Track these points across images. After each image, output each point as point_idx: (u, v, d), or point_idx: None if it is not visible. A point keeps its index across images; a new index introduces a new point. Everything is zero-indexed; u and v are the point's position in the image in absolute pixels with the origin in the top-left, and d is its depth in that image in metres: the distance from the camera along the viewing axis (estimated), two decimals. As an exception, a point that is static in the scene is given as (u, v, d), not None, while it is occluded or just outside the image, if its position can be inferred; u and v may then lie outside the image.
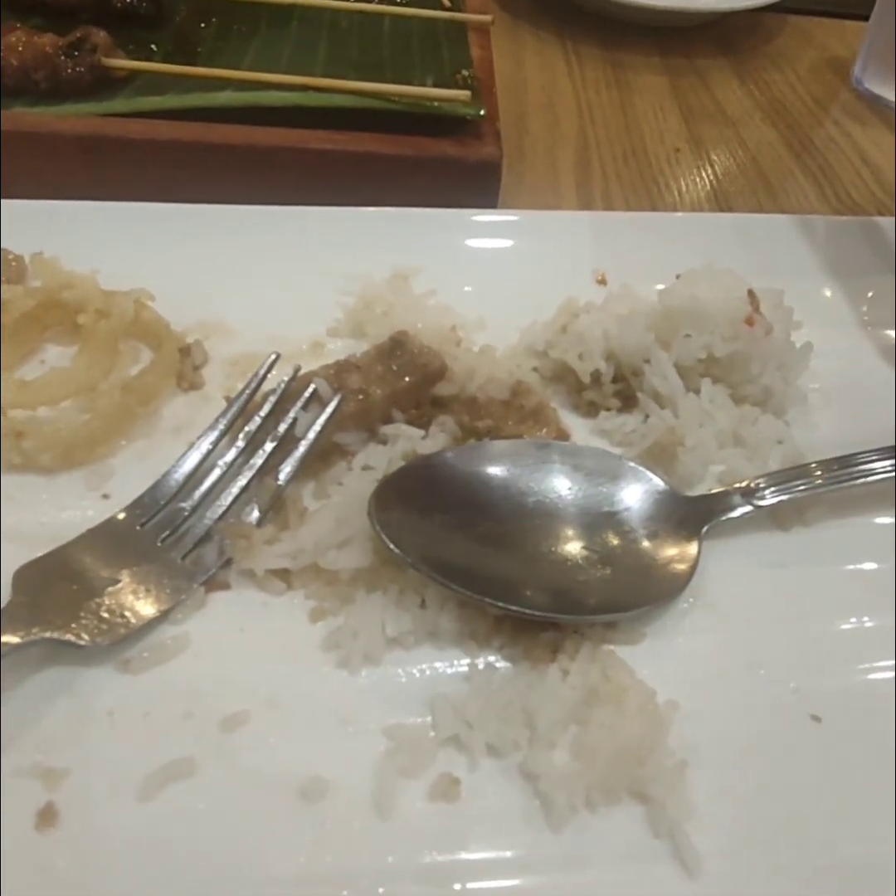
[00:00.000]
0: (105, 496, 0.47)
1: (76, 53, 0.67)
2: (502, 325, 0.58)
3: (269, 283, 0.59)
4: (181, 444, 0.49)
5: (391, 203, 0.64)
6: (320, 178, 0.66)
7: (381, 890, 0.34)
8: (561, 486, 0.45)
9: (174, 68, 0.69)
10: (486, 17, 0.82)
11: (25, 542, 0.43)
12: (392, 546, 0.39)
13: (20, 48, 0.67)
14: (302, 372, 0.49)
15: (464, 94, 0.67)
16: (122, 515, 0.45)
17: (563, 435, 0.51)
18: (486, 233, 0.65)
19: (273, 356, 0.50)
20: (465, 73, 0.76)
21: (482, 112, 0.69)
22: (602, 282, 0.62)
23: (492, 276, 0.61)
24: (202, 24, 0.83)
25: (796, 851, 0.36)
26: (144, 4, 0.80)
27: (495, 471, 0.45)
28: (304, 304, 0.58)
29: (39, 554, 0.42)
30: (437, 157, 0.67)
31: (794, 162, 0.84)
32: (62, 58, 0.66)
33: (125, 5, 0.80)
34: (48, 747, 0.37)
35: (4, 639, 0.37)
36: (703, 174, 0.82)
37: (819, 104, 0.93)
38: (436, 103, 0.69)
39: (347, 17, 0.85)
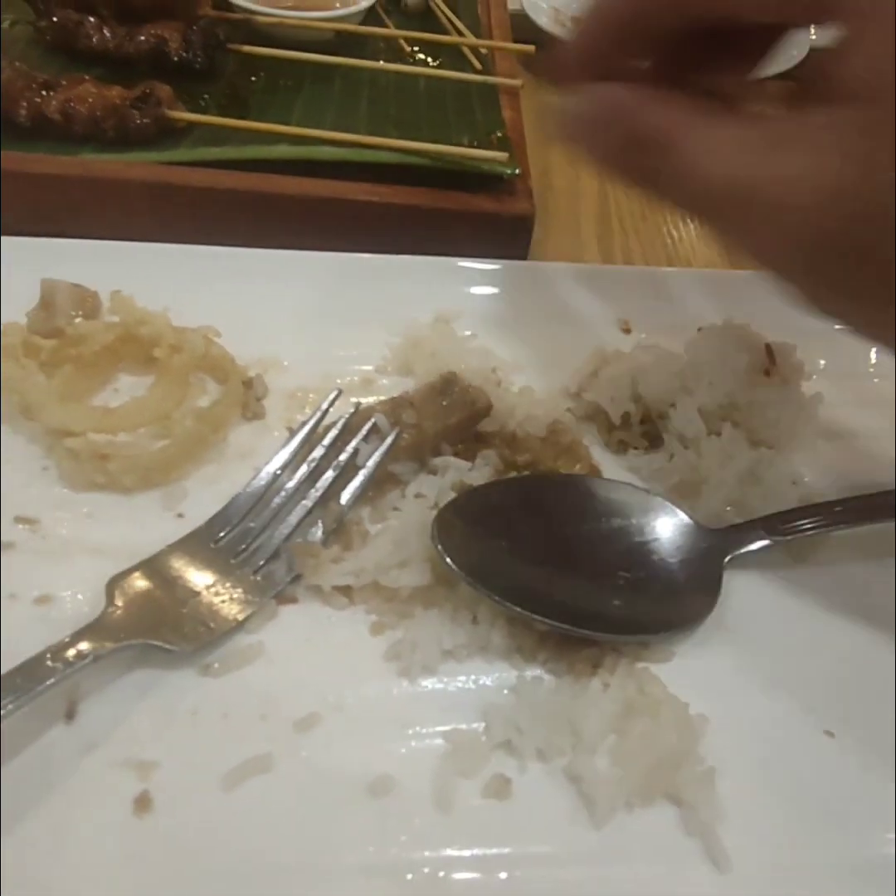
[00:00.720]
0: (180, 515, 0.51)
1: (143, 106, 0.72)
2: (537, 367, 0.63)
3: (321, 323, 0.64)
4: (247, 469, 0.54)
5: (430, 251, 0.69)
6: (366, 226, 0.71)
7: (440, 874, 0.38)
8: (598, 516, 0.50)
9: (233, 122, 0.74)
10: (516, 82, 0.89)
11: (109, 555, 0.48)
12: (454, 566, 0.44)
13: (90, 99, 0.73)
14: (362, 405, 0.54)
15: (502, 155, 0.73)
16: (197, 534, 0.49)
17: (594, 471, 0.56)
18: (520, 282, 0.70)
19: (335, 392, 0.54)
20: (499, 134, 0.82)
21: (517, 170, 0.75)
22: (627, 330, 0.68)
23: (526, 322, 0.66)
24: (252, 78, 0.89)
25: (813, 851, 0.40)
26: (200, 59, 0.87)
27: (540, 501, 0.49)
28: (353, 343, 0.63)
29: (123, 566, 0.47)
30: (474, 211, 0.72)
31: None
32: (130, 109, 0.72)
33: (182, 59, 0.86)
34: (140, 742, 0.41)
35: (103, 643, 0.41)
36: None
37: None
38: (476, 162, 0.74)
39: (385, 76, 0.91)
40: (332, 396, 0.54)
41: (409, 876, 0.38)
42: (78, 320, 0.59)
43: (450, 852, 0.39)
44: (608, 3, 0.42)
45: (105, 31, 0.87)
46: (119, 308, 0.58)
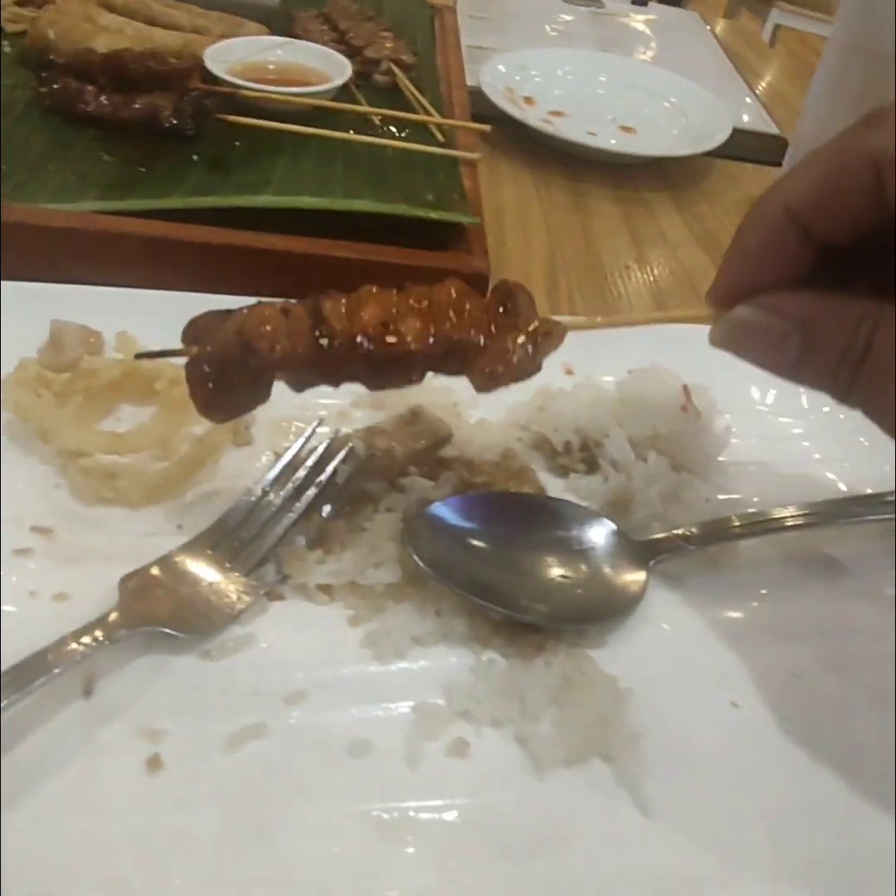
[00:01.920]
0: (179, 527, 0.58)
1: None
2: (491, 403, 0.72)
3: (302, 362, 0.72)
4: (237, 488, 0.61)
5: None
6: (342, 279, 0.80)
7: (411, 814, 0.45)
8: (544, 527, 0.59)
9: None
10: (475, 155, 1.00)
11: (117, 560, 0.54)
12: (422, 564, 0.52)
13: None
14: (341, 433, 0.62)
15: (464, 203, 0.84)
16: (196, 541, 0.56)
17: (540, 490, 0.65)
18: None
19: (317, 421, 0.63)
20: (457, 195, 0.93)
21: (477, 220, 0.86)
22: (569, 372, 0.77)
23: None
24: (235, 143, 0.99)
25: (720, 800, 0.49)
26: (189, 126, 0.96)
27: (495, 514, 0.58)
28: (331, 381, 0.71)
29: (130, 570, 0.53)
30: (437, 267, 0.82)
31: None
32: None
33: (173, 126, 0.96)
34: (150, 714, 0.47)
35: (119, 629, 0.48)
36: (649, 288, 1.00)
37: (741, 235, 1.13)
38: (440, 211, 0.85)
39: (358, 143, 1.01)
40: (314, 424, 0.62)
41: (385, 816, 0.45)
42: (85, 357, 0.66)
43: (417, 801, 0.46)
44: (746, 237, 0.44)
45: (102, 99, 0.96)
46: (123, 346, 0.66)
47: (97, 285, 0.73)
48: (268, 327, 0.48)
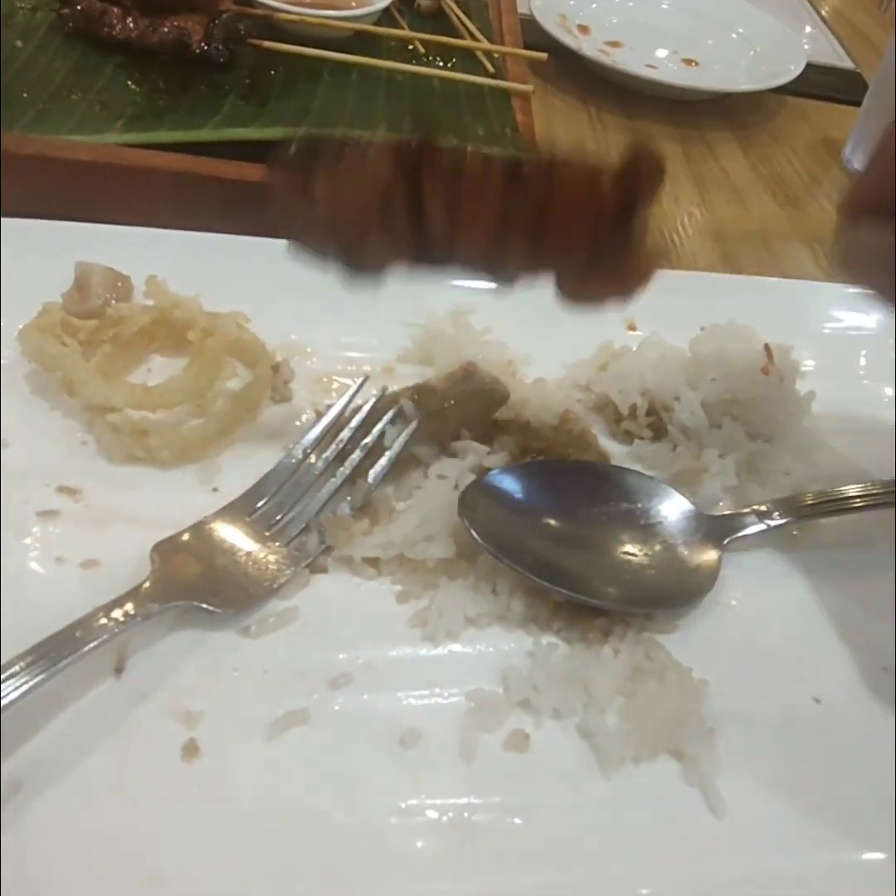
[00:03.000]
0: (215, 489, 0.54)
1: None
2: (548, 361, 0.66)
3: (344, 312, 0.67)
4: (276, 448, 0.57)
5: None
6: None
7: (465, 814, 0.41)
8: (609, 499, 0.54)
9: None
10: (528, 87, 0.92)
11: (149, 525, 0.50)
12: (479, 538, 0.47)
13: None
14: (387, 391, 0.57)
15: (518, 139, 0.77)
16: (234, 506, 0.52)
17: (603, 458, 0.60)
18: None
19: (363, 377, 0.58)
20: (510, 130, 0.85)
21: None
22: (632, 328, 0.71)
23: (537, 318, 0.70)
24: (271, 72, 0.92)
25: (800, 802, 0.44)
26: (221, 52, 0.89)
27: (556, 484, 0.53)
28: (376, 332, 0.66)
29: (162, 535, 0.49)
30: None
31: (792, 230, 0.95)
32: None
33: (203, 52, 0.89)
34: (186, 695, 0.44)
35: (151, 604, 0.44)
36: (715, 237, 0.92)
37: (813, 179, 1.04)
38: (491, 147, 0.78)
39: (401, 73, 0.94)
40: (360, 381, 0.57)
41: (436, 815, 0.41)
42: (112, 303, 0.61)
43: (473, 799, 0.42)
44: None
45: (128, 22, 0.89)
46: (153, 292, 0.61)
47: (123, 224, 0.68)
48: (368, 234, 0.45)
